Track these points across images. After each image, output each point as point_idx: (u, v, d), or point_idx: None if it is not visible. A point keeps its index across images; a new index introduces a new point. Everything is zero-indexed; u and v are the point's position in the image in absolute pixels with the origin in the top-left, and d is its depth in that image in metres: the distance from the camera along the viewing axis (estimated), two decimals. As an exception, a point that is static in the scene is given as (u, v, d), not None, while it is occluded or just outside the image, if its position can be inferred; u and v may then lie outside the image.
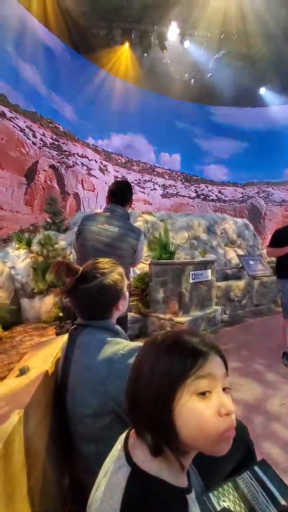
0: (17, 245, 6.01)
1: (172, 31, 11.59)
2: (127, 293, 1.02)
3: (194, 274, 4.07)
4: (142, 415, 0.47)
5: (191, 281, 4.01)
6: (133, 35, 11.59)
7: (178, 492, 0.47)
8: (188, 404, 0.44)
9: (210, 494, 0.58)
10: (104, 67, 16.54)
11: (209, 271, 4.42)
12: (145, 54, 12.50)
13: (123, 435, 0.55)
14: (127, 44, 12.24)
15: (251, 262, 6.18)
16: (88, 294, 0.90)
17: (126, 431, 0.55)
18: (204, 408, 0.45)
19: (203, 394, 0.45)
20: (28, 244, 5.99)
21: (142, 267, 5.54)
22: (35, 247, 5.85)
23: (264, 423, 1.97)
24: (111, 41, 11.79)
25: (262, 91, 15.59)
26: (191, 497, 0.49)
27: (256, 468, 0.69)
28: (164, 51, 12.18)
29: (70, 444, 0.85)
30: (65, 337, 0.98)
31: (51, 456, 0.78)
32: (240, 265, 6.20)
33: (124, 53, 14.04)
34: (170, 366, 0.46)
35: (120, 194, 1.90)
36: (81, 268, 0.93)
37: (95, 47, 13.32)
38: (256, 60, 13.82)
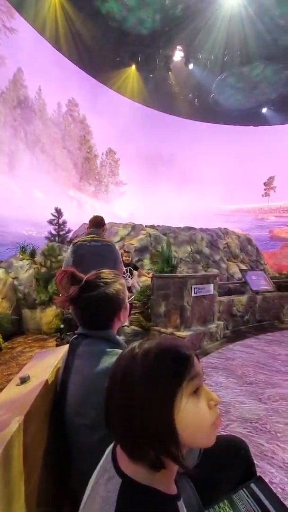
0: (21, 256, 6.07)
1: (177, 54, 12.15)
2: (128, 304, 1.04)
3: (196, 288, 4.07)
4: (141, 432, 0.45)
5: (193, 295, 4.00)
6: (139, 57, 12.15)
7: (170, 500, 0.47)
8: (187, 406, 0.46)
9: None
10: (113, 87, 17.32)
11: (212, 285, 4.42)
12: (151, 75, 13.06)
13: (110, 446, 0.55)
14: (133, 66, 12.81)
15: (254, 277, 6.17)
16: (91, 303, 0.91)
17: (113, 443, 0.55)
18: (198, 405, 0.48)
19: (195, 392, 0.48)
20: (32, 255, 6.04)
21: (144, 280, 5.54)
22: (38, 258, 5.91)
23: (264, 442, 1.92)
24: (119, 63, 12.38)
25: (264, 110, 16.06)
26: (181, 505, 0.50)
27: (252, 485, 0.68)
28: (169, 72, 12.72)
29: (67, 454, 0.85)
30: (66, 347, 0.98)
31: (48, 465, 0.78)
32: (243, 280, 6.19)
33: (131, 74, 14.68)
34: (165, 375, 0.46)
35: (97, 222, 2.77)
36: (85, 277, 0.95)
37: (104, 69, 13.97)
38: (258, 81, 14.33)
